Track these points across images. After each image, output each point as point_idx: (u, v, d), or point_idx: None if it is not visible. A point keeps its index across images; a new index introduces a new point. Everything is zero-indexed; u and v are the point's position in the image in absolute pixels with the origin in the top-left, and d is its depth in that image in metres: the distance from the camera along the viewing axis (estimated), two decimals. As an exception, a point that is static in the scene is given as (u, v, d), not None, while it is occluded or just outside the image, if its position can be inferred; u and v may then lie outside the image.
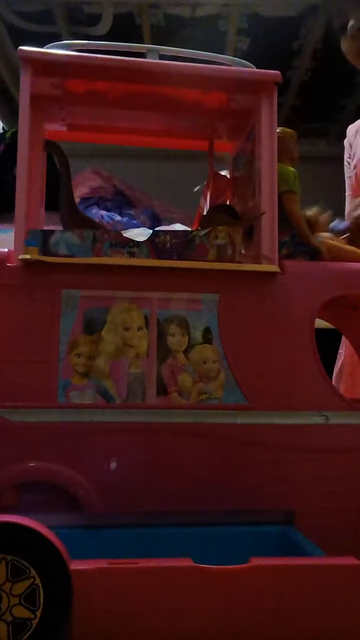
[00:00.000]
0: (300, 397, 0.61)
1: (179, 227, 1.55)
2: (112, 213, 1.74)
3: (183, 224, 1.62)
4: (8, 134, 1.82)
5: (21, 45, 2.16)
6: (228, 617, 0.42)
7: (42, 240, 0.59)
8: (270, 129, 0.64)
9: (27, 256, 0.58)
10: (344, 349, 1.09)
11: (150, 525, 0.55)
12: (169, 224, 1.64)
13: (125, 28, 1.85)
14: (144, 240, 0.60)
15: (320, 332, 0.97)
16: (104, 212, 1.69)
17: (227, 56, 0.67)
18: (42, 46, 2.08)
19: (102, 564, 0.43)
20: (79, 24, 1.86)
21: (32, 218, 0.66)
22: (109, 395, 0.60)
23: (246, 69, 0.65)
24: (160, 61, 0.65)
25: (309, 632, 0.43)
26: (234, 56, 1.95)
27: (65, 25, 1.85)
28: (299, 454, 0.60)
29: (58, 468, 0.57)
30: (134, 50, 0.65)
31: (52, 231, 0.60)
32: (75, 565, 0.43)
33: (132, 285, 0.60)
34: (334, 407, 0.60)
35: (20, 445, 0.58)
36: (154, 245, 0.60)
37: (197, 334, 0.61)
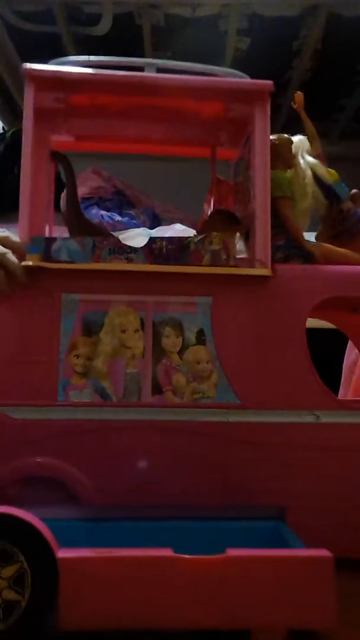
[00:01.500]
0: (291, 396, 0.62)
1: (179, 227, 1.54)
2: (112, 213, 1.73)
3: (183, 223, 1.62)
4: (8, 134, 1.82)
5: (21, 45, 2.14)
6: (204, 604, 0.44)
7: (45, 247, 0.63)
8: (263, 136, 0.65)
9: (29, 263, 0.61)
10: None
11: (145, 518, 0.57)
12: (169, 224, 1.64)
13: (125, 28, 1.85)
14: (142, 247, 0.63)
15: (320, 332, 0.97)
16: (104, 212, 1.68)
17: (223, 68, 0.68)
18: (42, 46, 2.06)
19: (86, 552, 0.45)
20: (79, 24, 1.87)
21: (38, 225, 0.69)
22: (106, 394, 0.62)
23: (240, 79, 0.67)
24: (158, 75, 0.67)
25: (281, 620, 0.46)
26: (233, 56, 1.96)
27: (65, 25, 1.85)
28: (289, 452, 0.61)
29: (57, 463, 0.60)
30: (134, 65, 0.68)
31: (55, 238, 0.63)
32: (61, 553, 0.45)
33: (129, 290, 0.63)
34: (325, 407, 0.62)
35: (22, 442, 0.61)
36: (150, 251, 0.63)
37: (191, 336, 0.63)
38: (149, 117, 0.72)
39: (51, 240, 0.63)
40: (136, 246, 0.63)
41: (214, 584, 0.44)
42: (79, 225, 0.75)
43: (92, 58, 0.67)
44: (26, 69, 0.64)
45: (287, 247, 0.68)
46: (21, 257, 0.63)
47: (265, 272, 0.63)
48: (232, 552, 0.45)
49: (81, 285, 0.63)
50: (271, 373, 0.62)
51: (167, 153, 0.85)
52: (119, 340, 0.63)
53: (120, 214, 1.89)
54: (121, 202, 1.92)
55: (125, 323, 0.63)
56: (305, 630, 0.47)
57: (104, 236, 0.71)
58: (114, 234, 1.64)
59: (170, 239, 0.64)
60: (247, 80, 0.67)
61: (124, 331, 0.63)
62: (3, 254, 0.63)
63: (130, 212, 1.93)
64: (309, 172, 0.71)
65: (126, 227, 1.80)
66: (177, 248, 0.63)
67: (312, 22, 1.82)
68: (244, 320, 0.63)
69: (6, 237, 0.67)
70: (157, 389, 0.62)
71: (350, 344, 1.06)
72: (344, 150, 2.45)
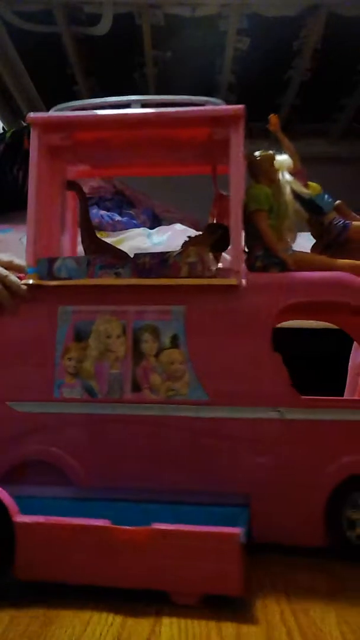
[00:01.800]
0: (257, 394, 0.68)
1: (179, 227, 1.55)
2: (112, 213, 1.74)
3: (183, 223, 1.62)
4: (8, 134, 1.82)
5: (21, 45, 2.14)
6: (132, 567, 0.53)
7: (48, 266, 0.73)
8: (237, 156, 0.72)
9: (30, 281, 0.73)
10: None
11: (124, 499, 0.66)
12: (169, 224, 1.64)
13: (125, 28, 1.85)
14: (128, 263, 0.72)
15: (326, 333, 0.97)
16: (104, 212, 1.68)
17: (201, 97, 0.75)
18: (42, 46, 2.06)
19: (39, 519, 0.55)
20: (79, 24, 1.86)
21: (50, 245, 0.79)
22: (93, 392, 0.72)
23: (216, 107, 0.74)
24: (142, 110, 0.75)
25: (194, 585, 0.53)
26: (233, 56, 1.96)
27: (65, 25, 1.85)
28: (254, 445, 0.68)
29: (53, 449, 0.71)
30: (121, 103, 0.77)
31: (56, 258, 0.74)
32: (18, 518, 0.54)
33: (113, 301, 0.73)
34: (290, 404, 0.68)
35: (25, 431, 0.72)
36: (136, 266, 0.72)
37: (166, 340, 0.71)
38: (149, 146, 0.81)
39: (53, 260, 0.73)
40: (123, 263, 0.73)
41: (140, 551, 0.53)
42: (91, 244, 0.85)
43: (88, 101, 0.78)
44: (29, 117, 0.76)
45: (266, 257, 0.73)
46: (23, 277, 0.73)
47: (231, 281, 0.69)
48: (156, 525, 0.53)
49: (74, 298, 0.73)
50: (238, 373, 0.69)
51: (173, 174, 0.93)
52: (104, 345, 0.72)
53: (120, 214, 1.89)
54: (121, 202, 1.92)
55: (109, 330, 0.72)
56: (216, 595, 0.53)
57: (113, 253, 0.81)
58: (114, 233, 1.64)
59: (152, 255, 0.73)
60: (221, 107, 0.74)
61: (108, 337, 0.72)
62: (5, 276, 0.74)
63: (130, 212, 1.93)
64: (288, 189, 0.76)
65: (126, 227, 1.81)
66: (158, 262, 0.71)
67: (312, 22, 1.81)
68: (214, 325, 0.70)
69: (9, 262, 0.77)
70: (136, 387, 0.71)
71: (355, 345, 1.07)
72: (344, 150, 2.45)
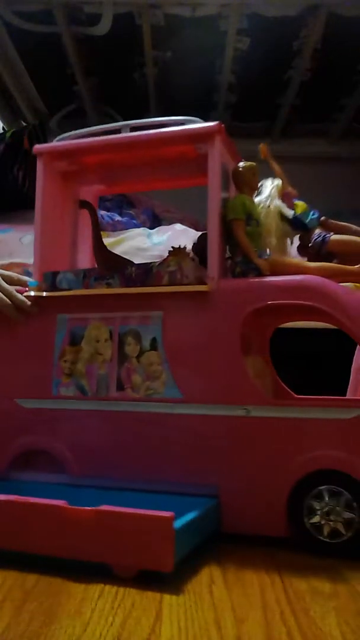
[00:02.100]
0: (226, 393, 0.74)
1: (179, 227, 1.55)
2: (112, 213, 1.74)
3: (183, 223, 1.62)
4: (8, 134, 1.82)
5: (21, 45, 2.14)
6: (80, 541, 0.61)
7: (52, 279, 0.83)
8: (215, 169, 0.78)
9: (31, 293, 0.83)
10: None
11: (107, 487, 0.75)
12: (169, 224, 1.64)
13: (125, 28, 1.85)
14: (118, 274, 0.80)
15: (330, 333, 0.97)
16: (104, 212, 1.68)
17: (183, 117, 0.81)
18: (42, 46, 2.06)
19: (1, 497, 0.65)
20: (79, 24, 1.86)
21: (60, 260, 0.89)
22: (84, 390, 0.81)
23: (195, 125, 0.80)
24: (131, 134, 0.83)
25: (131, 560, 0.59)
26: (233, 56, 1.96)
27: (65, 25, 1.85)
28: (223, 440, 0.73)
29: (51, 440, 0.81)
30: (113, 129, 0.85)
31: (58, 272, 0.83)
32: None
33: (103, 308, 0.81)
34: (256, 402, 0.73)
35: (29, 424, 0.82)
36: (124, 276, 0.80)
37: (146, 343, 0.78)
38: (146, 163, 0.89)
39: (55, 273, 0.83)
40: (113, 274, 0.81)
41: (86, 529, 0.60)
42: (102, 258, 0.94)
43: (84, 130, 0.87)
44: (35, 149, 0.86)
45: (244, 263, 0.78)
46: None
47: (202, 288, 0.76)
48: (103, 507, 0.60)
49: (70, 307, 0.82)
50: (209, 373, 0.75)
51: (176, 187, 0.98)
52: (94, 348, 0.81)
53: (120, 214, 1.88)
54: (121, 202, 1.92)
55: (98, 335, 0.81)
56: (150, 571, 0.58)
57: (121, 263, 0.89)
58: (114, 233, 1.65)
59: (139, 265, 0.81)
60: (198, 125, 0.80)
61: (97, 341, 0.81)
62: (10, 292, 0.82)
63: (130, 212, 1.92)
64: (274, 211, 0.82)
65: (126, 227, 1.80)
66: (143, 272, 0.79)
67: (312, 22, 1.81)
68: (188, 329, 0.77)
69: (10, 276, 0.84)
70: (120, 386, 0.79)
71: (359, 347, 1.07)
72: (344, 150, 2.45)
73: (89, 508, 0.60)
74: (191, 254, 0.80)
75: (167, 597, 0.55)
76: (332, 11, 1.77)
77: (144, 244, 1.45)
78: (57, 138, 0.87)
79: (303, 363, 1.33)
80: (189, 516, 0.64)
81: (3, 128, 2.29)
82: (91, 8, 1.80)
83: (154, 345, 0.78)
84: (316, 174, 1.66)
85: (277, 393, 0.91)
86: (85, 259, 0.96)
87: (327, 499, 0.68)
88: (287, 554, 0.68)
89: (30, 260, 1.43)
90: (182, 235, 1.41)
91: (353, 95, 2.16)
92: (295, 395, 0.92)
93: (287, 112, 2.30)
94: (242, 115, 2.34)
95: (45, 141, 1.84)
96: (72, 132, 0.87)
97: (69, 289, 0.81)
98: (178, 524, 0.59)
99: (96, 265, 0.95)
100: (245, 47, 1.96)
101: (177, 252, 0.79)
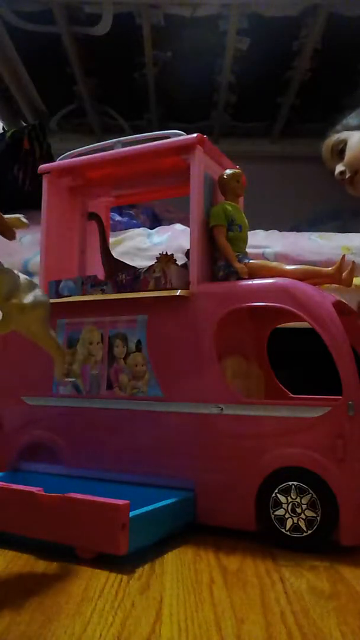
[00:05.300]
0: (203, 392, 0.78)
1: (179, 227, 1.54)
2: (112, 213, 1.73)
3: (183, 224, 1.62)
4: (8, 134, 1.82)
5: (21, 45, 2.14)
6: (49, 524, 0.66)
7: (55, 287, 0.90)
8: (197, 178, 0.82)
9: None
10: None
11: (97, 479, 0.81)
12: (169, 224, 1.63)
13: (125, 28, 1.85)
14: (111, 281, 0.86)
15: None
16: (104, 212, 1.68)
17: (169, 131, 0.86)
18: (42, 46, 2.05)
19: None
20: (79, 24, 1.86)
21: (65, 268, 0.96)
22: (79, 389, 0.88)
23: (178, 138, 0.84)
24: (123, 149, 0.89)
25: (90, 543, 0.64)
26: (233, 56, 1.96)
27: (65, 25, 1.85)
28: (199, 437, 0.77)
29: (50, 434, 0.88)
30: (107, 146, 0.92)
31: (61, 280, 0.90)
32: None
33: (95, 313, 0.87)
34: (228, 401, 0.76)
35: (33, 420, 0.90)
36: (115, 283, 0.86)
37: (132, 345, 0.83)
38: (142, 175, 0.95)
39: (59, 282, 0.90)
40: (107, 280, 0.87)
41: (55, 513, 0.65)
42: (109, 266, 0.99)
43: (81, 149, 0.94)
44: (40, 169, 0.94)
45: (226, 267, 0.82)
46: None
47: (182, 292, 0.79)
48: (70, 495, 0.65)
49: (68, 312, 0.88)
50: (187, 373, 0.79)
51: (176, 195, 1.01)
52: (87, 350, 0.87)
53: (120, 214, 1.88)
54: (121, 202, 1.88)
55: (91, 338, 0.87)
56: (107, 554, 0.63)
57: (127, 270, 0.92)
58: (114, 234, 1.65)
59: (129, 272, 0.86)
60: (179, 138, 0.84)
61: (90, 344, 0.87)
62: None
63: (130, 212, 1.92)
64: None
65: (126, 227, 1.80)
66: (132, 278, 0.84)
67: (312, 22, 1.82)
68: (169, 332, 0.81)
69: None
70: (109, 386, 0.85)
71: None
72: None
73: (56, 495, 0.65)
74: (176, 260, 0.84)
75: (167, 597, 0.55)
76: (332, 11, 1.77)
77: (144, 244, 1.44)
78: (59, 158, 0.95)
79: (303, 363, 1.33)
80: (150, 507, 0.68)
81: (3, 128, 2.28)
82: (91, 8, 1.80)
83: (139, 347, 0.82)
84: (316, 174, 1.65)
85: (270, 392, 0.93)
86: (95, 267, 1.00)
87: (292, 495, 0.70)
88: (287, 554, 0.68)
89: (29, 259, 1.42)
90: (182, 235, 1.41)
91: (353, 95, 2.16)
92: (291, 395, 0.93)
93: (287, 112, 2.30)
94: (242, 115, 2.34)
95: (45, 141, 1.85)
96: (70, 152, 0.94)
97: (70, 296, 0.87)
98: (135, 512, 0.64)
99: (104, 273, 0.99)
100: (245, 47, 1.96)
101: (162, 258, 0.83)
